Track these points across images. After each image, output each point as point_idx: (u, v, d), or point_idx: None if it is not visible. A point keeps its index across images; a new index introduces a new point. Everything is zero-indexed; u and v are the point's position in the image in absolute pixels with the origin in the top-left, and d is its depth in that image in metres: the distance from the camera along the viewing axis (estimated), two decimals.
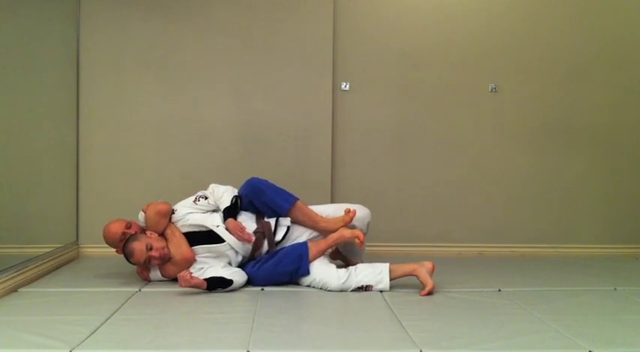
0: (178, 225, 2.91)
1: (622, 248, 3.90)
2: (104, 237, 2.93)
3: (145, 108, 3.68)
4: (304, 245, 2.85)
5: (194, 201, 2.97)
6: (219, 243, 2.84)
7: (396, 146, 3.83)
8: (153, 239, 2.79)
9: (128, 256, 2.78)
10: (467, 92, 3.85)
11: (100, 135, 3.65)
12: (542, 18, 3.86)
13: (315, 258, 2.82)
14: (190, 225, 2.90)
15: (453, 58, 3.83)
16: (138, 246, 2.75)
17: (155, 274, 2.88)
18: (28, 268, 2.86)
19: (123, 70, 3.65)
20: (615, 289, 2.88)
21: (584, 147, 3.92)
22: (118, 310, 2.39)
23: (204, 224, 2.88)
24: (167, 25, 3.66)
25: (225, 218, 2.87)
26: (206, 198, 2.97)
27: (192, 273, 2.66)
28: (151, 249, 2.75)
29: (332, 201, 3.71)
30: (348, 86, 3.79)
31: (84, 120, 3.64)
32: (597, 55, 3.90)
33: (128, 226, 2.91)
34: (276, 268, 2.80)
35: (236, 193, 2.97)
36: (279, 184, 3.00)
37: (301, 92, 3.73)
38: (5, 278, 2.63)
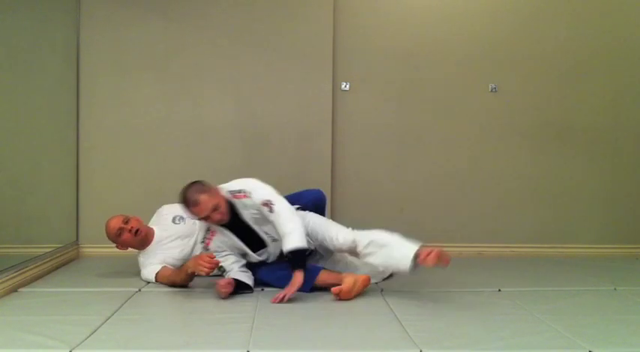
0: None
1: (622, 248, 3.89)
2: (105, 233, 2.94)
3: (145, 108, 3.68)
4: (319, 268, 2.74)
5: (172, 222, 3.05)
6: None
7: (396, 146, 3.83)
8: (222, 203, 2.59)
9: (190, 204, 2.56)
10: (467, 92, 3.85)
11: (100, 135, 3.65)
12: (542, 18, 3.86)
13: (321, 283, 2.68)
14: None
15: (453, 58, 3.83)
16: (206, 200, 2.53)
17: (150, 270, 2.88)
18: (28, 268, 2.86)
19: (123, 70, 3.65)
20: (615, 289, 2.88)
21: (584, 147, 3.92)
22: (118, 310, 2.39)
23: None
24: (167, 25, 3.66)
25: (293, 265, 2.59)
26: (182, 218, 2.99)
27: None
28: (215, 209, 2.55)
29: (332, 201, 3.71)
30: (348, 86, 3.79)
31: (84, 120, 3.64)
32: (597, 55, 3.90)
33: (125, 221, 2.92)
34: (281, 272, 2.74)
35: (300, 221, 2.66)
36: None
37: (301, 92, 3.73)
38: (5, 278, 2.63)
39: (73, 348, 1.93)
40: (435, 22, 3.82)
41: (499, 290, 2.81)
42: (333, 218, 3.75)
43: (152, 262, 2.90)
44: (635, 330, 2.23)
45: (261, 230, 2.72)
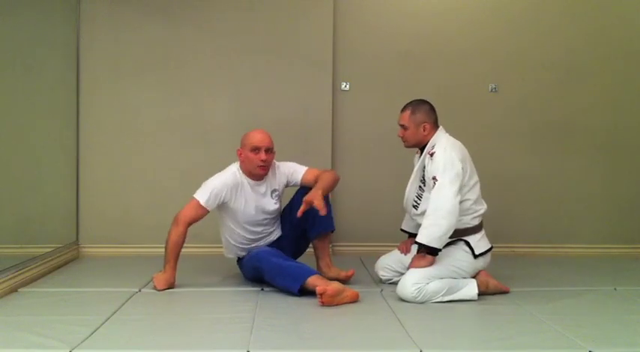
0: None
1: (622, 248, 3.89)
2: (247, 135, 2.87)
3: (144, 108, 3.68)
4: (312, 271, 2.66)
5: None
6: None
7: (396, 146, 3.81)
8: (411, 124, 2.84)
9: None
10: (467, 92, 3.85)
11: (100, 135, 3.65)
12: (542, 18, 3.86)
13: (312, 286, 2.57)
14: None
15: (452, 58, 3.83)
16: (405, 115, 2.82)
17: None
18: (28, 268, 2.86)
19: (123, 70, 3.65)
20: (615, 289, 2.88)
21: (584, 147, 3.92)
22: (118, 310, 2.39)
23: None
24: (167, 26, 3.66)
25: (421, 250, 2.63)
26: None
27: None
28: (404, 127, 2.88)
29: (332, 201, 3.70)
30: (348, 86, 3.79)
31: (84, 120, 3.64)
32: (597, 55, 3.89)
33: (268, 149, 2.82)
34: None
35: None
36: None
37: (301, 92, 3.73)
38: (5, 278, 2.63)
39: (73, 348, 1.94)
40: (435, 22, 3.82)
41: None
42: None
43: (215, 191, 2.78)
44: (635, 330, 2.23)
45: (416, 187, 2.86)
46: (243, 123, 3.70)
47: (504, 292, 2.77)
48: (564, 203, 3.92)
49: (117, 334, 2.11)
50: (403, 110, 2.83)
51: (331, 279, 2.70)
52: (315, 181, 2.86)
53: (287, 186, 2.99)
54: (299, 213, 2.73)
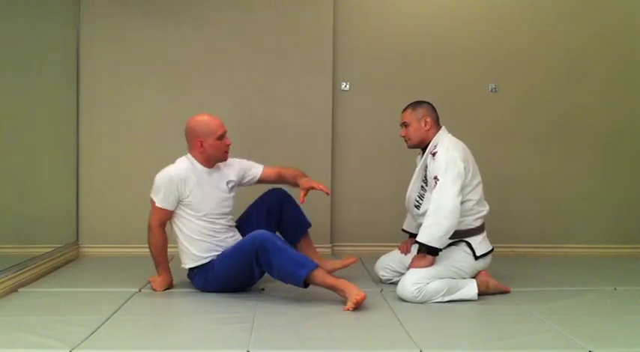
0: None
1: (622, 248, 3.89)
2: (203, 123, 2.80)
3: (144, 108, 3.68)
4: (314, 265, 2.53)
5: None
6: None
7: (396, 146, 3.82)
8: (414, 124, 2.89)
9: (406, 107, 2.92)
10: (467, 92, 3.84)
11: (100, 135, 3.65)
12: (542, 18, 3.86)
13: (319, 280, 2.51)
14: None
15: (452, 59, 3.83)
16: (407, 112, 2.89)
17: None
18: (28, 268, 2.86)
19: (123, 70, 3.65)
20: (615, 289, 2.88)
21: (584, 147, 3.92)
22: (118, 310, 2.39)
23: None
24: (167, 26, 3.66)
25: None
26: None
27: None
28: (405, 125, 2.92)
29: (332, 201, 3.71)
30: (348, 86, 3.79)
31: (84, 120, 3.63)
32: (597, 55, 3.89)
33: (226, 134, 2.81)
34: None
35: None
36: (279, 184, 3.02)
37: (301, 92, 3.73)
38: (5, 278, 2.63)
39: (73, 348, 1.94)
40: (435, 23, 3.82)
41: None
42: (332, 218, 3.77)
43: (169, 189, 2.71)
44: (635, 330, 2.23)
45: (418, 187, 2.86)
46: (243, 123, 3.71)
47: (504, 292, 2.77)
48: (564, 203, 3.92)
49: (117, 334, 2.12)
50: (404, 110, 2.89)
51: (334, 271, 2.78)
52: (278, 174, 2.99)
53: (241, 181, 2.92)
54: (302, 199, 2.83)
